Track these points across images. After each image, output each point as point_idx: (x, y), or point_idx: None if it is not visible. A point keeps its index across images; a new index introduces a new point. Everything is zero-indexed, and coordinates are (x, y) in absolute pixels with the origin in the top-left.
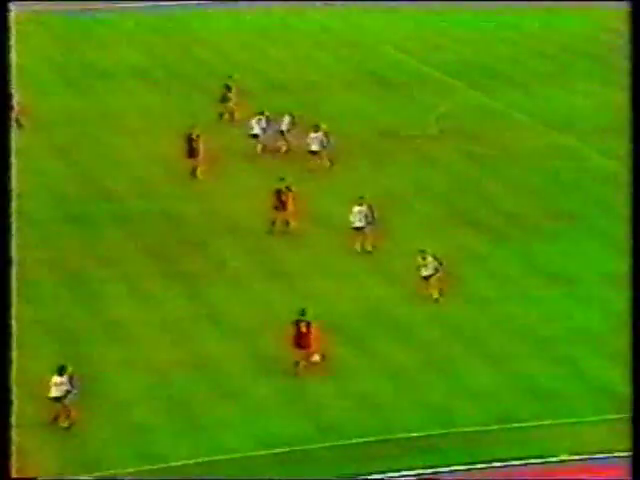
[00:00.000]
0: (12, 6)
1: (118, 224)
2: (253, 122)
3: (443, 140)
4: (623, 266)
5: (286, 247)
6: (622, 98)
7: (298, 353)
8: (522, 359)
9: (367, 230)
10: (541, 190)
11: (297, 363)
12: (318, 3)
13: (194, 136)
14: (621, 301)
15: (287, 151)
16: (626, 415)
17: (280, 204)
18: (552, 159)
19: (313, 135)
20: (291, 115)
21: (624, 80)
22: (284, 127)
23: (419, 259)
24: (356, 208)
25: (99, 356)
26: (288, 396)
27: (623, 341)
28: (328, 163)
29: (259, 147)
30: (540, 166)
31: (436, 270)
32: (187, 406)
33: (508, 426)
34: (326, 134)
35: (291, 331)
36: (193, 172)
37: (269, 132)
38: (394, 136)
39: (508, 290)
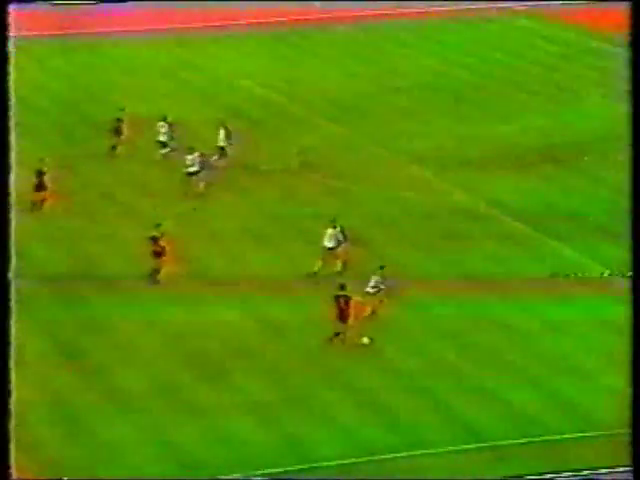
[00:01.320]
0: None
1: None
2: (160, 128)
3: (303, 174)
4: (478, 298)
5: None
6: (477, 132)
7: (340, 326)
8: (380, 391)
9: (339, 250)
10: (399, 223)
11: (337, 334)
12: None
13: (43, 170)
14: (475, 334)
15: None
16: (484, 444)
17: (157, 251)
18: (410, 192)
19: (190, 157)
20: (224, 126)
21: (478, 114)
22: (221, 142)
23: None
24: (329, 231)
25: None
26: (148, 434)
27: (480, 374)
28: (203, 188)
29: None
30: (398, 199)
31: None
32: (42, 445)
33: (367, 459)
34: (202, 154)
35: (333, 306)
36: (39, 204)
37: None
38: (254, 170)
39: (368, 323)
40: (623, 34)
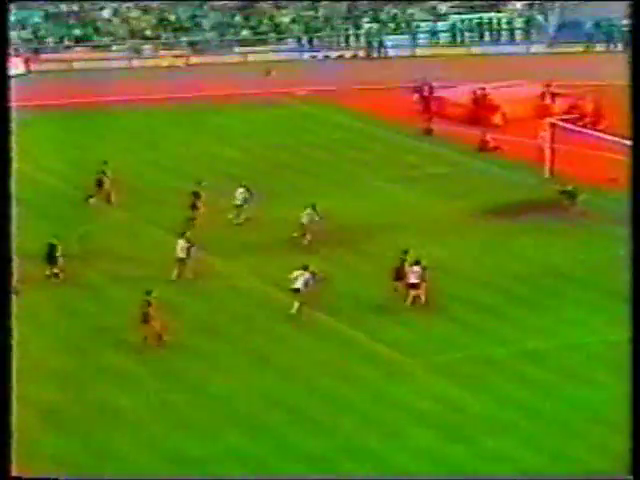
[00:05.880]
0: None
1: None
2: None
3: (87, 260)
4: (272, 382)
5: None
6: (262, 215)
7: (395, 284)
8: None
9: (304, 292)
10: (187, 308)
11: (395, 289)
12: None
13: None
14: (262, 414)
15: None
16: None
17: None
18: (200, 279)
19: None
20: (245, 186)
21: (262, 198)
22: (239, 201)
23: (409, 266)
24: (296, 272)
25: None
26: None
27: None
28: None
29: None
30: (186, 284)
31: (422, 278)
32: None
33: None
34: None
35: (395, 266)
36: None
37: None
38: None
39: (149, 405)
40: (400, 120)
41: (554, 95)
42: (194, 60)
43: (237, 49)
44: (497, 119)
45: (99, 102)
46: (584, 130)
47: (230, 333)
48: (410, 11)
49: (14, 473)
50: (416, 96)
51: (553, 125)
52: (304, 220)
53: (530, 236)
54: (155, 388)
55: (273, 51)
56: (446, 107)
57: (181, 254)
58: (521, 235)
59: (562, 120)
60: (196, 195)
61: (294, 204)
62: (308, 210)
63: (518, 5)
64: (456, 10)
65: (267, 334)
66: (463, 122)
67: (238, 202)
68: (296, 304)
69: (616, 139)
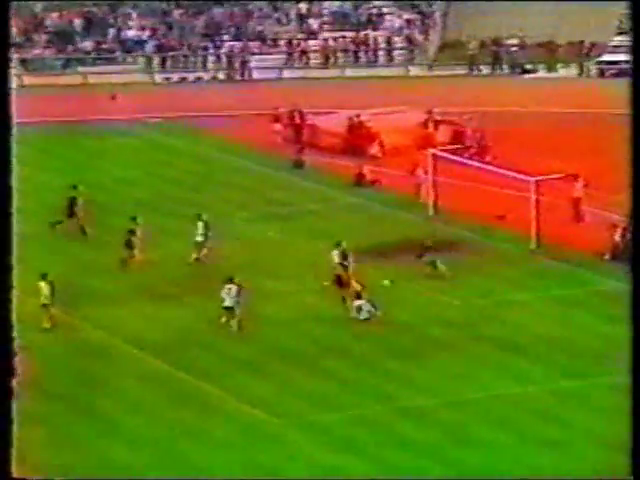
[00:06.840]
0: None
1: None
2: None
3: None
4: (119, 449)
5: None
6: (104, 260)
7: (340, 291)
8: None
9: (236, 309)
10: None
11: (344, 299)
12: None
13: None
14: None
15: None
16: None
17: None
18: (35, 331)
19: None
20: (202, 220)
21: (106, 240)
22: (199, 237)
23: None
24: (227, 285)
25: None
26: None
27: None
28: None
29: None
30: (28, 339)
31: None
32: None
33: None
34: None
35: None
36: None
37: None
38: None
39: None
40: (268, 151)
41: (437, 123)
42: (27, 81)
43: (78, 68)
44: (375, 149)
45: None
46: (470, 162)
47: (70, 393)
48: (277, 28)
49: (15, 475)
50: (277, 125)
51: (435, 156)
52: (336, 261)
53: (411, 280)
54: None
55: (120, 72)
56: (319, 136)
57: (45, 300)
58: (400, 279)
59: (446, 151)
60: (131, 232)
61: (150, 246)
62: (336, 251)
63: (396, 24)
64: (328, 27)
65: (116, 393)
66: (338, 153)
67: (199, 239)
68: (228, 319)
69: (503, 172)
